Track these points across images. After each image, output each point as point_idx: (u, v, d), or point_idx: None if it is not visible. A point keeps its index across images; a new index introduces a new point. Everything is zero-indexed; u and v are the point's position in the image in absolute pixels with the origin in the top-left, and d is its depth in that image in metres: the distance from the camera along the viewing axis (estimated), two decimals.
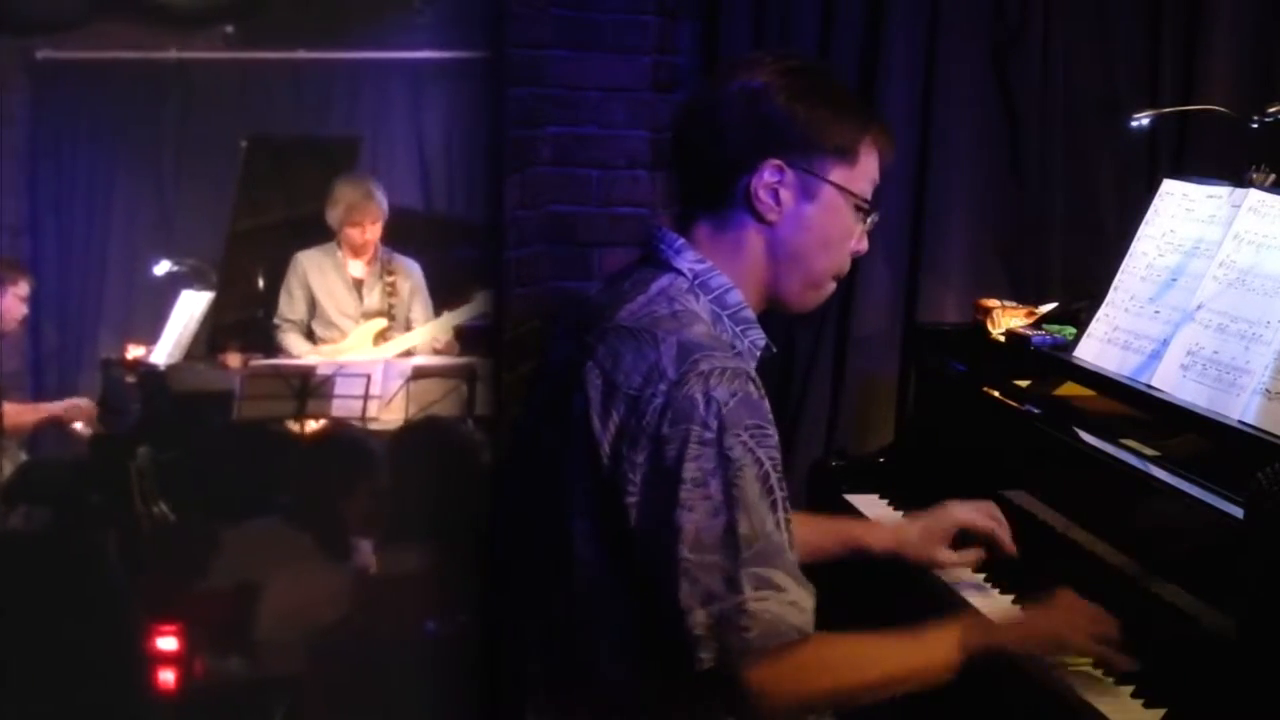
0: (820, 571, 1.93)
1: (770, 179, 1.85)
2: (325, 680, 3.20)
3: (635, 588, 1.77)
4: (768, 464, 1.74)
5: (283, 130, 6.01)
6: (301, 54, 6.10)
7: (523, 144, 3.80)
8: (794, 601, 1.72)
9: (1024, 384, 2.85)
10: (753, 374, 1.78)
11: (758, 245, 1.88)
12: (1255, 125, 2.92)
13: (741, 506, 1.71)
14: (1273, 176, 2.56)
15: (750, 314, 1.89)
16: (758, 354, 1.91)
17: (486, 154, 3.98)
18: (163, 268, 5.50)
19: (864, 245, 1.94)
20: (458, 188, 6.29)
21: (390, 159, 6.29)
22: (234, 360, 4.97)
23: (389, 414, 4.64)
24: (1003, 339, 3.00)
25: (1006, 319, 3.04)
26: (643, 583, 1.75)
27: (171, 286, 5.41)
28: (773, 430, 1.77)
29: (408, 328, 5.11)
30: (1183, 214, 2.63)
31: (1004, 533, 2.38)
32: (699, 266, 1.87)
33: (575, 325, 1.89)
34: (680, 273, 1.86)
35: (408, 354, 5.00)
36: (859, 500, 2.95)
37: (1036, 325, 2.98)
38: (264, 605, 3.39)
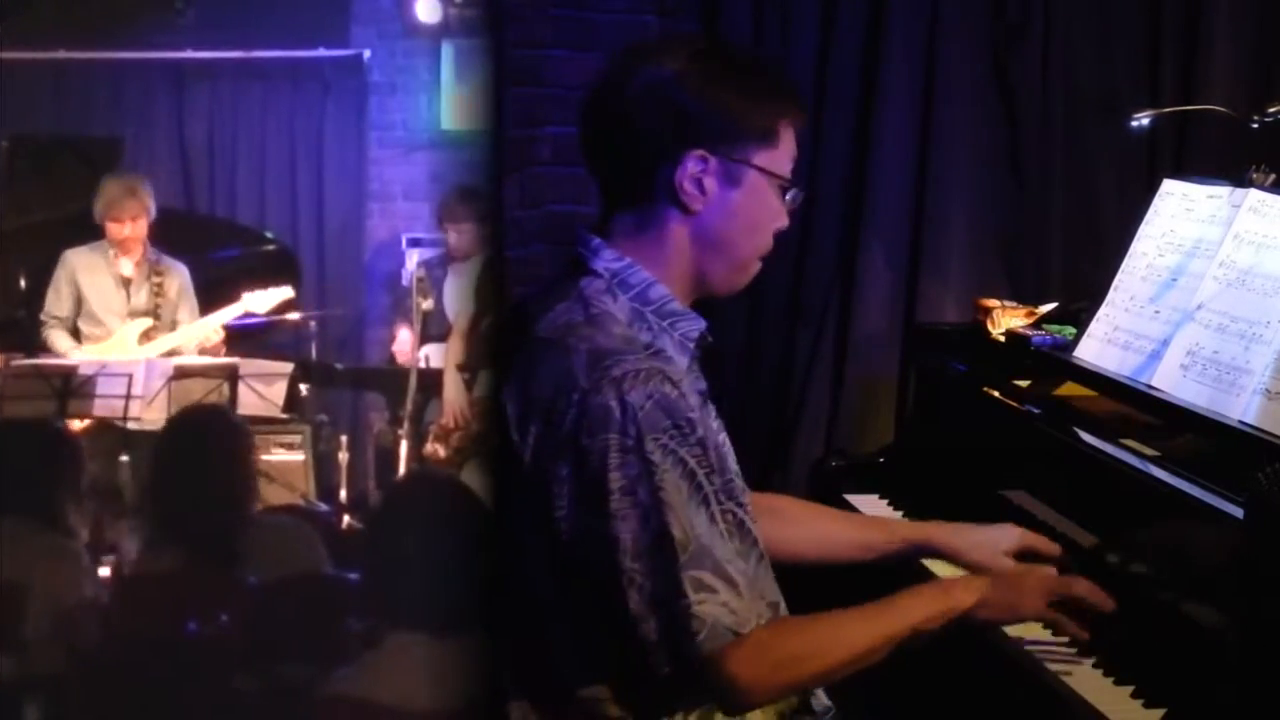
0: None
1: (694, 169, 1.82)
2: (85, 680, 3.18)
3: (580, 599, 1.76)
4: (692, 462, 1.72)
5: (45, 130, 6.01)
6: (63, 54, 6.13)
7: (523, 144, 3.80)
8: (724, 602, 1.71)
9: (1024, 384, 2.85)
10: (670, 372, 1.76)
11: (682, 235, 1.85)
12: (1255, 125, 2.91)
13: (671, 511, 1.70)
14: (1273, 176, 2.55)
15: (677, 306, 1.86)
16: (691, 345, 1.87)
17: (486, 154, 3.98)
18: None
19: (786, 221, 1.91)
20: (219, 188, 6.30)
21: (151, 159, 6.29)
22: None
23: (151, 414, 4.64)
24: (1003, 339, 3.00)
25: (1006, 319, 3.04)
26: (586, 595, 1.75)
27: None
28: (694, 426, 1.74)
29: (173, 329, 5.13)
30: (1183, 214, 2.63)
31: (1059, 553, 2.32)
32: (616, 265, 1.84)
33: (510, 337, 1.89)
34: (597, 274, 1.84)
35: (171, 354, 5.00)
36: (859, 500, 2.95)
37: (1036, 325, 2.98)
38: (25, 605, 3.38)
